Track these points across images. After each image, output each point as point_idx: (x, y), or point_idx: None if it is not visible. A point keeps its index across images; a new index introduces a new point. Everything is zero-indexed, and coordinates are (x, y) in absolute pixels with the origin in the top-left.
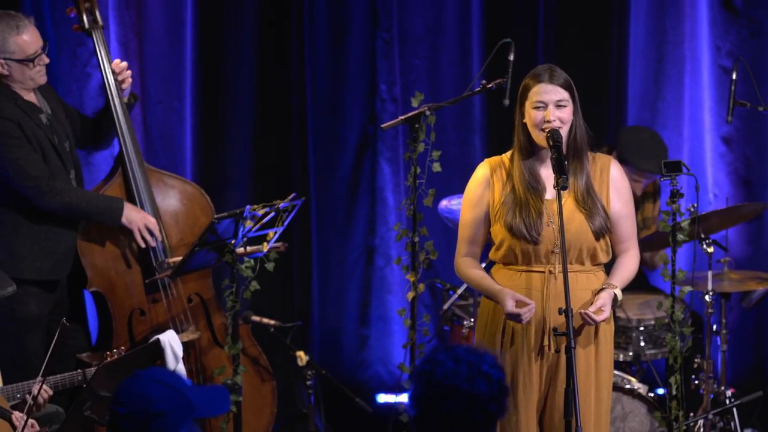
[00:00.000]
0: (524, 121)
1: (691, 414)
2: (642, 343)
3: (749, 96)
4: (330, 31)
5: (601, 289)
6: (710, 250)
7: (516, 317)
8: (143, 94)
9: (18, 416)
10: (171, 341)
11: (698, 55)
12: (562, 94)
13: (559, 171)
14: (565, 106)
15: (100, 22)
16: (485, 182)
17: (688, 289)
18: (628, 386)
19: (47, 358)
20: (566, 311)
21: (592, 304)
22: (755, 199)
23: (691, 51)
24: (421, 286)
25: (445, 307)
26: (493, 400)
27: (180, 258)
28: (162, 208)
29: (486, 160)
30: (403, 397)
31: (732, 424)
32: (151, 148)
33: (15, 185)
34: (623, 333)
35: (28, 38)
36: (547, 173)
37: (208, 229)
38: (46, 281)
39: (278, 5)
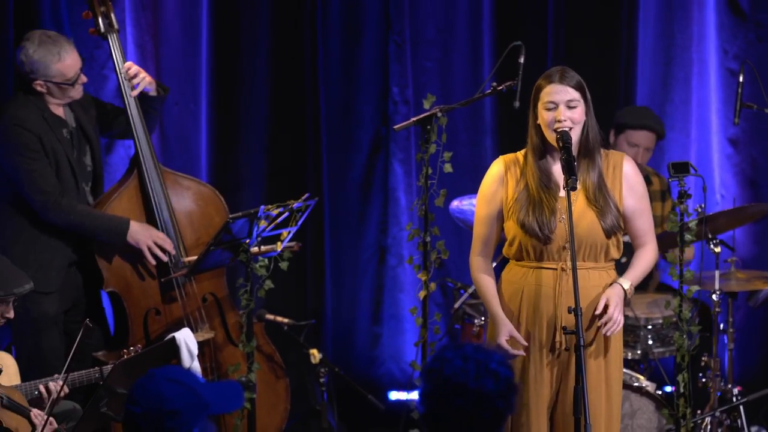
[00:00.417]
0: (537, 122)
1: (699, 411)
2: (650, 342)
3: (756, 98)
4: (343, 35)
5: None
6: (717, 250)
7: (504, 352)
8: None
9: (36, 413)
10: (186, 339)
11: (706, 58)
12: (573, 95)
13: (569, 172)
14: (575, 107)
15: (116, 26)
16: (499, 179)
17: (695, 288)
18: (636, 384)
19: (69, 357)
20: (575, 310)
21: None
22: (762, 199)
23: (698, 54)
24: (433, 285)
25: (456, 305)
26: (500, 398)
27: (195, 257)
28: (177, 209)
29: (500, 157)
30: (415, 395)
31: (739, 421)
32: (167, 149)
33: (24, 194)
34: (631, 331)
35: (69, 63)
36: (560, 171)
37: (223, 229)
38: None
39: (292, 9)
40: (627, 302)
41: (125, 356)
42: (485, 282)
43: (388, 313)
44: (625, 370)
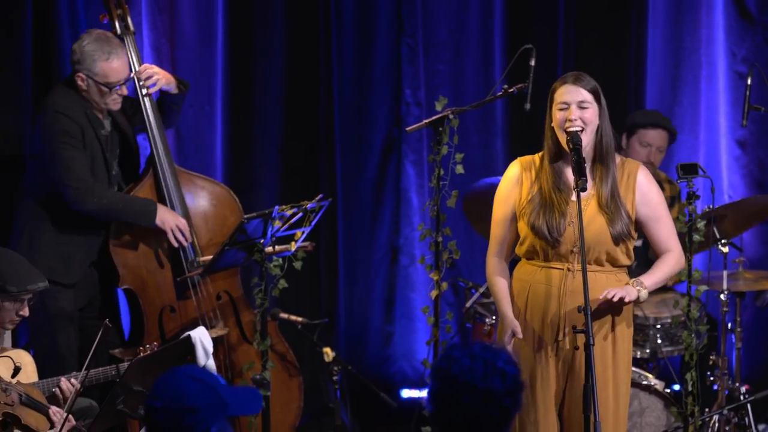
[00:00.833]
0: (552, 124)
1: (707, 409)
2: (659, 341)
3: (764, 100)
4: (357, 37)
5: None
6: (725, 250)
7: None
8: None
9: (55, 410)
10: (202, 337)
11: (714, 60)
12: (585, 96)
13: (579, 173)
14: (587, 108)
15: (132, 28)
16: (515, 180)
17: (703, 288)
18: (645, 382)
19: (89, 356)
20: (585, 309)
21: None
22: None
23: (707, 57)
24: (444, 285)
25: (468, 305)
26: (508, 396)
27: (210, 257)
28: (192, 209)
29: (518, 159)
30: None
31: (746, 419)
32: (183, 150)
33: (59, 183)
34: (640, 331)
35: (116, 66)
36: (572, 174)
37: (238, 229)
38: (54, 282)
39: (307, 12)
40: (637, 302)
41: (141, 354)
42: (499, 283)
43: (400, 312)
44: (634, 368)
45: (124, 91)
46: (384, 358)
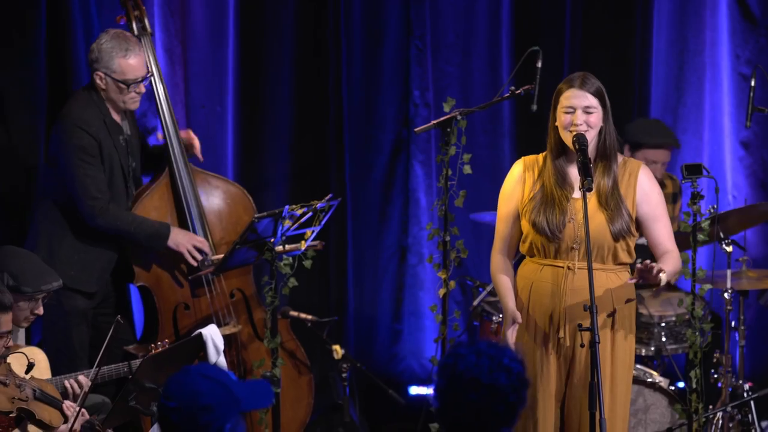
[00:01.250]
0: (555, 123)
1: (710, 407)
2: (663, 339)
3: (767, 102)
4: (366, 39)
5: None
6: (729, 249)
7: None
8: (187, 99)
9: (68, 405)
10: (213, 335)
11: (718, 62)
12: (591, 101)
13: (585, 173)
14: (592, 113)
15: (149, 30)
16: (519, 179)
17: (708, 286)
18: (649, 380)
19: (101, 353)
20: (591, 307)
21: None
22: None
23: (711, 59)
24: (452, 283)
25: (475, 303)
26: (513, 392)
27: (222, 255)
28: (206, 207)
29: (522, 158)
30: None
31: (749, 416)
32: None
33: (74, 197)
34: (645, 329)
35: (133, 63)
36: (574, 173)
37: (249, 228)
38: (78, 290)
39: (316, 14)
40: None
41: (153, 351)
42: (502, 279)
43: (408, 310)
44: (639, 366)
45: (142, 89)
46: (392, 355)
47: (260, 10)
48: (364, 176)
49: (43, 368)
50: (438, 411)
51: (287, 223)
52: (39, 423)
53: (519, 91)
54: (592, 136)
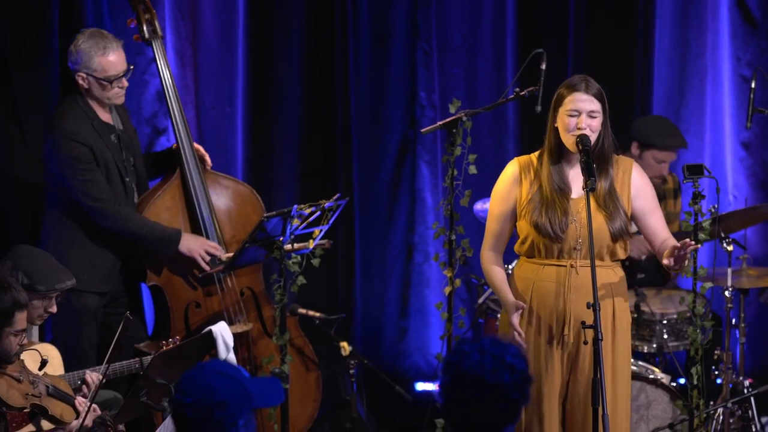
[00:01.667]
0: (556, 125)
1: (711, 403)
2: (665, 336)
3: (767, 103)
4: (373, 42)
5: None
6: (730, 248)
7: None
8: (197, 101)
9: (80, 401)
10: (222, 332)
11: (719, 65)
12: (596, 105)
13: (588, 173)
14: (596, 117)
15: (160, 32)
16: (514, 179)
17: (708, 284)
18: (651, 376)
19: (111, 349)
20: (594, 305)
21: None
22: None
23: (712, 61)
24: (458, 281)
25: (480, 300)
26: (516, 390)
27: (231, 254)
28: (217, 207)
29: (515, 158)
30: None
31: (750, 412)
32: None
33: (82, 204)
34: (647, 326)
35: (113, 59)
36: (573, 174)
37: (258, 227)
38: (89, 290)
39: (325, 17)
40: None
41: (164, 348)
42: (496, 272)
43: (414, 307)
44: (641, 362)
45: (125, 83)
46: (399, 352)
47: (269, 13)
48: (371, 176)
49: (56, 365)
50: (443, 408)
51: (296, 222)
52: (52, 418)
53: (523, 93)
54: (593, 140)
